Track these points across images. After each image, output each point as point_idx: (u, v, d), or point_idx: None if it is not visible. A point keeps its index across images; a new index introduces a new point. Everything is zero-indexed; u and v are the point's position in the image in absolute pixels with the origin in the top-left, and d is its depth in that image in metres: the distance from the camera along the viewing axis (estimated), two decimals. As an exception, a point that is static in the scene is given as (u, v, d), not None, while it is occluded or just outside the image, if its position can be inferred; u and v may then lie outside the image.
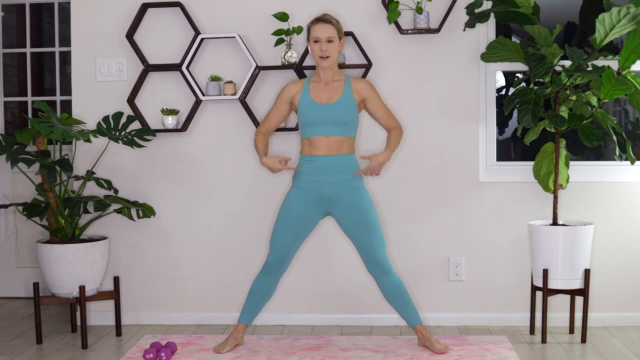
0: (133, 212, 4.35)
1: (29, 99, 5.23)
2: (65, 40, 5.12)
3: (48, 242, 4.12)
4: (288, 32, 4.19)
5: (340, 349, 3.85)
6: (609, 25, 3.80)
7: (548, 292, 3.98)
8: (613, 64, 4.11)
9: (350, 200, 3.72)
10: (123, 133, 4.24)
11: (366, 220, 3.71)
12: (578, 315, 4.18)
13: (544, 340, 3.99)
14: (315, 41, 3.70)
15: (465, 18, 4.21)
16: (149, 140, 4.32)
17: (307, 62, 4.28)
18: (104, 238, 4.19)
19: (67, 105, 5.17)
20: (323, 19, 3.72)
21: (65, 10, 5.17)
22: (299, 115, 3.77)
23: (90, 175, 4.20)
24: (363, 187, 3.78)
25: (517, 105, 3.97)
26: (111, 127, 4.22)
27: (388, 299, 3.80)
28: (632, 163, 3.97)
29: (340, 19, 4.27)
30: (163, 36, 4.40)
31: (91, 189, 4.40)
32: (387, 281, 3.75)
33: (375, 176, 3.90)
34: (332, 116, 3.70)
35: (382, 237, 3.75)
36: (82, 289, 3.98)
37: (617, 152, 3.91)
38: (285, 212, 3.77)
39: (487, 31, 4.30)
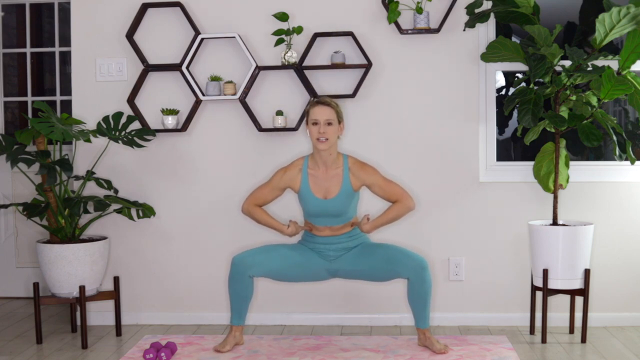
0: (133, 212, 4.35)
1: (29, 99, 5.23)
2: (65, 40, 5.12)
3: (48, 242, 4.12)
4: (288, 32, 4.19)
5: (340, 349, 3.85)
6: (609, 25, 3.80)
7: (548, 292, 3.97)
8: (613, 64, 4.10)
9: (357, 249, 3.82)
10: (123, 133, 4.24)
11: (378, 247, 3.79)
12: (578, 315, 4.18)
13: (544, 340, 3.99)
14: (314, 123, 3.67)
15: (465, 18, 4.21)
16: (149, 140, 4.32)
17: (307, 62, 4.28)
18: (104, 238, 4.19)
19: (67, 105, 5.17)
20: (322, 102, 3.69)
21: (65, 10, 5.17)
22: (301, 204, 3.84)
23: (90, 175, 4.20)
24: (368, 239, 3.90)
25: (517, 105, 3.97)
26: (111, 127, 4.22)
27: (413, 298, 3.73)
28: (632, 163, 3.97)
29: (340, 19, 4.28)
30: (163, 36, 4.40)
31: (91, 189, 4.40)
32: (424, 277, 3.66)
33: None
34: (332, 211, 3.74)
35: (398, 247, 3.78)
36: (82, 289, 3.98)
37: (617, 152, 3.90)
38: (286, 246, 3.84)
39: (487, 31, 4.30)
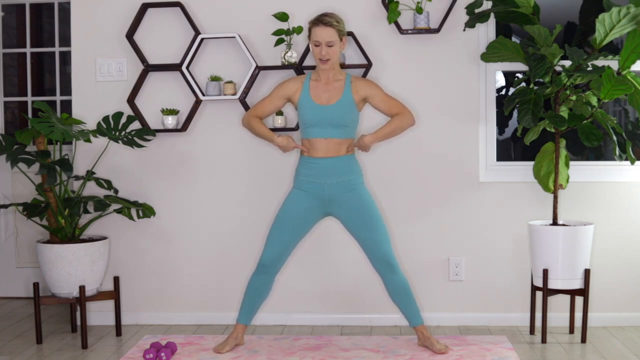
0: (133, 212, 4.35)
1: (29, 99, 5.23)
2: (65, 40, 5.12)
3: (48, 242, 4.12)
4: (288, 32, 4.19)
5: (340, 349, 3.85)
6: (609, 25, 3.80)
7: (548, 292, 3.97)
8: (613, 64, 4.10)
9: (351, 201, 3.72)
10: (123, 133, 4.24)
11: (369, 219, 3.72)
12: (578, 315, 4.18)
13: (544, 340, 3.99)
14: (316, 45, 3.68)
15: (465, 18, 4.21)
16: (149, 140, 4.32)
17: (307, 62, 4.28)
18: (104, 238, 4.19)
19: (67, 105, 5.17)
20: (323, 22, 3.66)
21: (65, 10, 5.17)
22: (299, 114, 3.77)
23: (90, 175, 4.20)
24: (363, 186, 3.78)
25: (517, 105, 3.97)
26: (111, 127, 4.22)
27: (393, 297, 3.80)
28: (632, 163, 3.97)
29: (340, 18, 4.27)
30: (163, 36, 4.40)
31: (91, 189, 4.40)
32: (393, 280, 3.74)
33: (364, 152, 3.92)
34: (331, 118, 3.69)
35: (386, 234, 3.74)
36: (82, 289, 3.98)
37: (617, 152, 3.91)
38: (284, 212, 3.77)
39: (487, 31, 4.30)
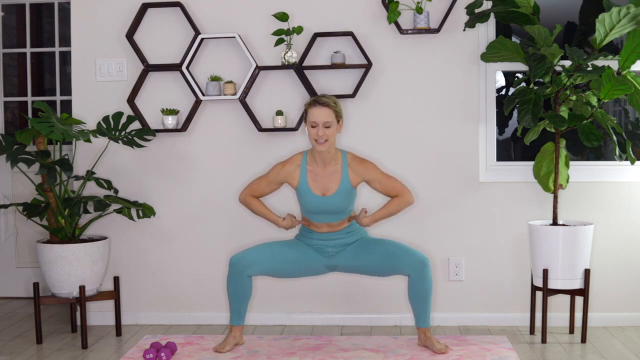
0: (133, 212, 4.35)
1: (29, 99, 5.23)
2: (65, 40, 5.12)
3: (48, 242, 4.12)
4: (288, 32, 4.19)
5: (340, 349, 3.85)
6: (609, 25, 3.80)
7: (548, 292, 3.97)
8: (613, 64, 4.10)
9: (356, 244, 3.81)
10: (123, 133, 4.24)
11: (378, 243, 3.78)
12: (578, 315, 4.18)
13: (544, 340, 3.99)
14: (312, 126, 3.65)
15: (465, 18, 4.21)
16: (149, 140, 4.32)
17: (307, 62, 4.28)
18: (104, 238, 4.19)
19: (67, 105, 5.17)
20: (320, 102, 3.64)
21: (65, 10, 5.17)
22: (299, 200, 3.82)
23: (90, 175, 4.20)
24: (367, 234, 3.89)
25: (517, 105, 3.97)
26: (111, 127, 4.22)
27: (413, 296, 3.73)
28: (632, 163, 3.97)
29: (340, 18, 4.27)
30: (163, 36, 4.40)
31: (91, 189, 4.40)
32: (425, 275, 3.66)
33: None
34: (331, 208, 3.73)
35: (400, 244, 3.77)
36: (82, 289, 3.98)
37: (617, 152, 3.90)
38: (283, 243, 3.84)
39: (487, 31, 4.30)
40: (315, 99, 3.69)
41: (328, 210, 3.74)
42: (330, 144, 3.68)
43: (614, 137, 3.91)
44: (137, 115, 4.35)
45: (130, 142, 4.20)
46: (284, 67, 4.25)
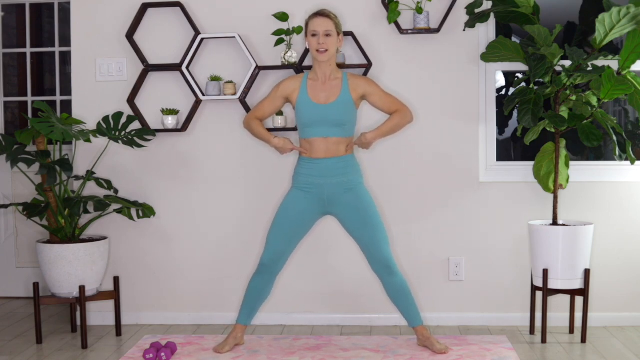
0: (133, 212, 4.35)
1: (29, 99, 5.23)
2: (65, 40, 5.12)
3: (48, 242, 4.12)
4: (288, 32, 4.19)
5: (340, 349, 3.85)
6: (609, 25, 3.80)
7: (548, 292, 3.98)
8: (613, 64, 4.10)
9: (350, 201, 3.72)
10: (123, 133, 4.24)
11: (368, 219, 3.71)
12: (578, 315, 4.18)
13: (544, 340, 3.99)
14: (313, 35, 3.67)
15: (465, 18, 4.21)
16: (149, 140, 4.32)
17: (307, 62, 4.28)
18: (104, 238, 4.19)
19: (67, 105, 5.17)
20: (321, 13, 3.70)
21: (65, 10, 5.17)
22: (297, 114, 3.76)
23: (90, 175, 4.20)
24: (363, 186, 3.78)
25: (517, 105, 3.97)
26: (111, 127, 4.22)
27: (392, 298, 3.80)
28: (632, 163, 3.97)
29: (340, 18, 4.26)
30: (163, 36, 4.40)
31: (91, 189, 4.40)
32: (392, 281, 3.74)
33: (365, 149, 3.91)
34: (329, 117, 3.69)
35: (385, 235, 3.74)
36: (82, 289, 3.98)
37: (617, 152, 3.91)
38: (283, 212, 3.77)
39: (487, 31, 4.30)
40: (316, 11, 3.73)
41: (327, 120, 3.68)
42: (331, 54, 3.68)
43: (614, 137, 3.91)
44: (137, 115, 4.35)
45: (130, 142, 4.20)
46: (284, 67, 4.25)
